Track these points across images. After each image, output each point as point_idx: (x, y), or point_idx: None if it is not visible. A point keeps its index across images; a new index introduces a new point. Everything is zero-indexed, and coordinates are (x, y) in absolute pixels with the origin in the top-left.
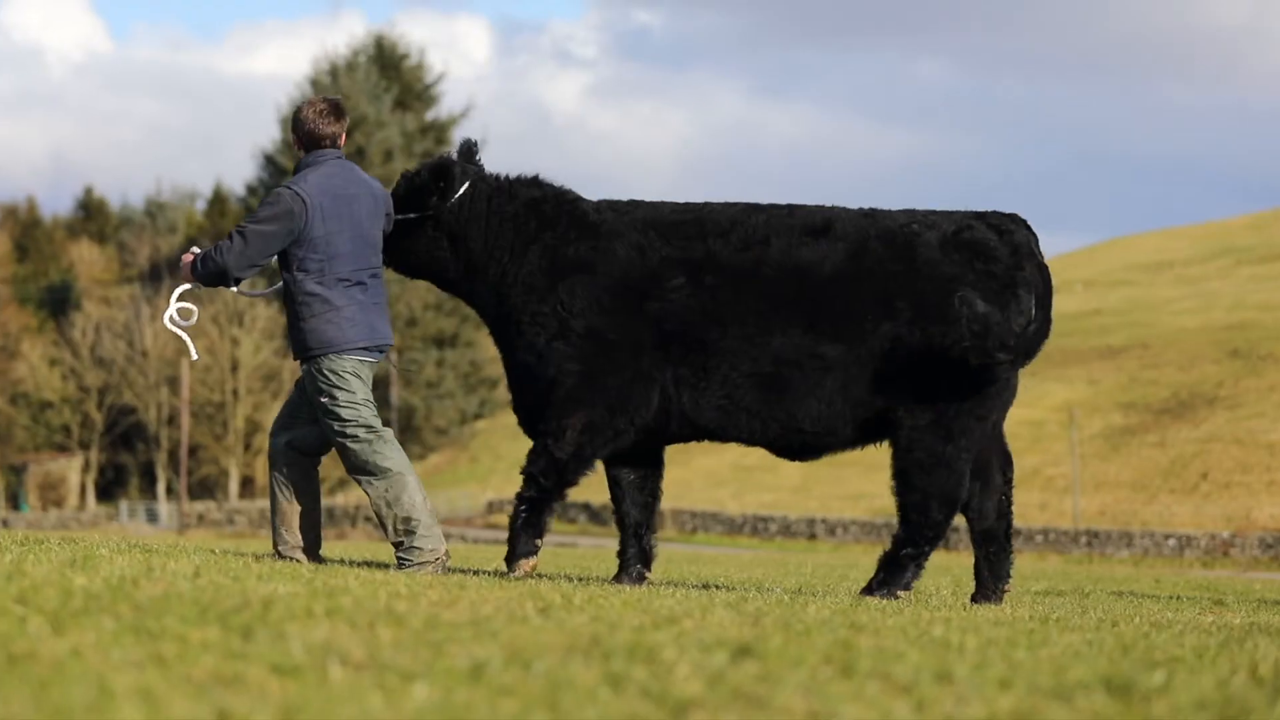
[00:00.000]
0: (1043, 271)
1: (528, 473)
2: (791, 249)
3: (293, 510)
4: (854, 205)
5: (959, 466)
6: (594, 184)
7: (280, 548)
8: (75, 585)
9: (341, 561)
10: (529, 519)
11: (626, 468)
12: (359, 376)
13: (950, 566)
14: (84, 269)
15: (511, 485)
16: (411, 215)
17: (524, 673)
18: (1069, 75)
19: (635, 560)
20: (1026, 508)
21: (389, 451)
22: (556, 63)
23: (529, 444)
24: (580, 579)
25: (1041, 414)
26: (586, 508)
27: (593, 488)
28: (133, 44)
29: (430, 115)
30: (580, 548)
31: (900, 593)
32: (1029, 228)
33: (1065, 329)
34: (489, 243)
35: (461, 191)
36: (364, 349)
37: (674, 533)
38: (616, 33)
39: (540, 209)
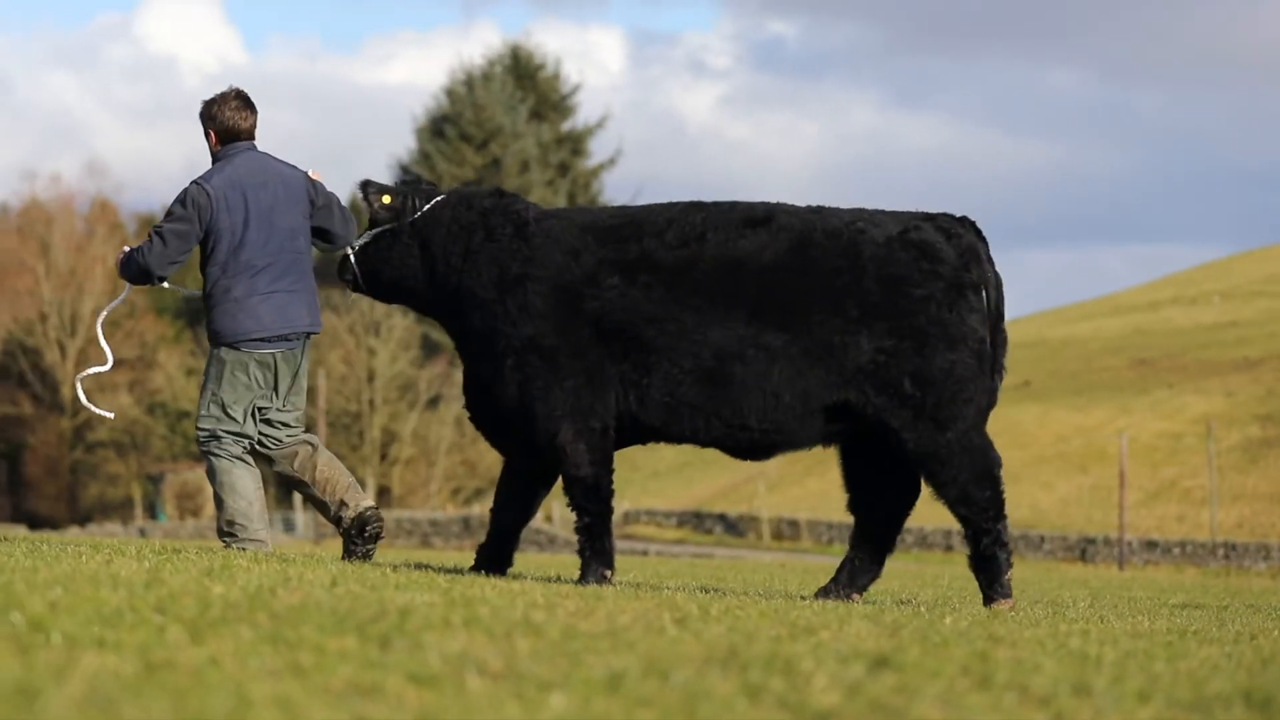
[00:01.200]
0: (993, 276)
1: (573, 506)
2: (729, 241)
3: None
4: (982, 215)
5: (973, 443)
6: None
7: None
8: (213, 594)
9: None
10: (593, 549)
11: (517, 471)
12: (244, 369)
13: (1088, 579)
14: None
15: (648, 496)
16: (388, 226)
17: (661, 683)
18: (1206, 84)
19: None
20: (1164, 520)
21: (227, 455)
22: (690, 73)
23: (667, 452)
24: (717, 590)
25: (1179, 426)
26: (723, 518)
27: (729, 498)
28: (267, 55)
29: (566, 126)
30: (717, 558)
31: (1006, 579)
32: (978, 232)
33: (1202, 340)
34: (446, 250)
35: (434, 202)
36: (260, 340)
37: (810, 544)
38: (750, 43)
39: (489, 219)
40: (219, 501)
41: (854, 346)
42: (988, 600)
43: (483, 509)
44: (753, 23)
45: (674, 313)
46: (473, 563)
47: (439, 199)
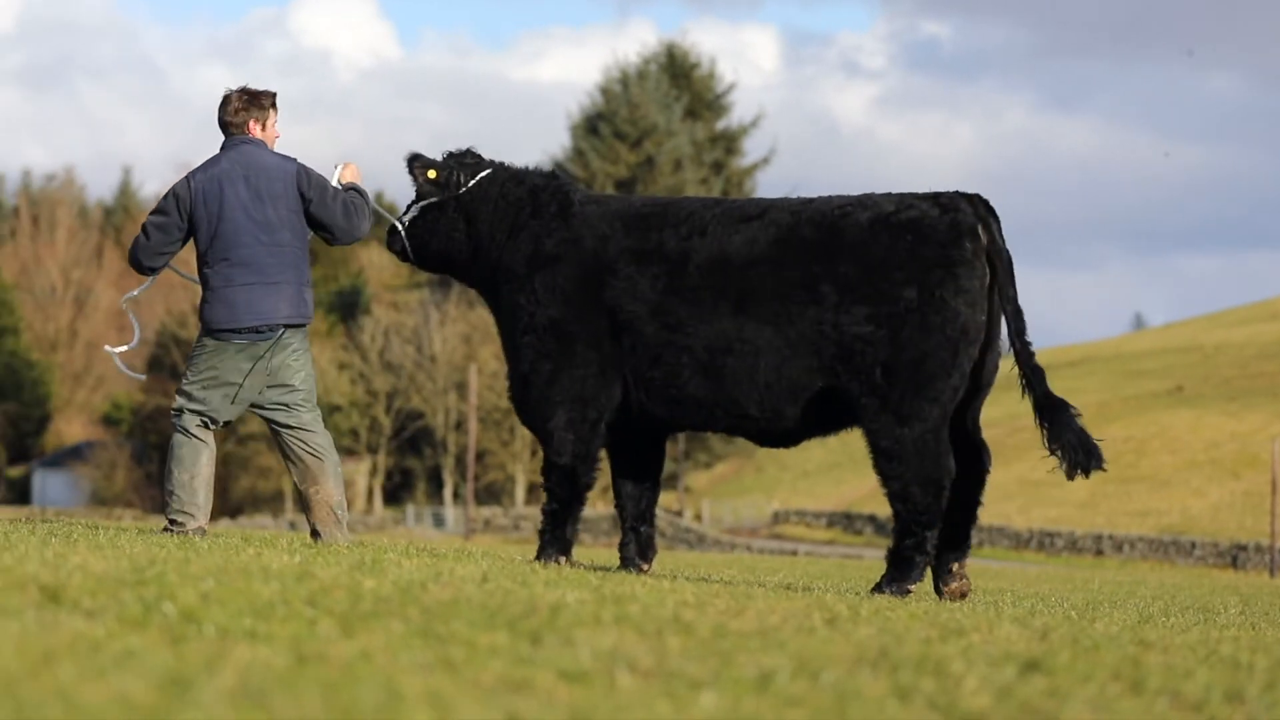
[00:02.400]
0: (995, 253)
1: (545, 487)
2: (724, 236)
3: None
4: (1135, 219)
5: (929, 446)
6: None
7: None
8: (365, 588)
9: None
10: (553, 534)
11: (626, 460)
12: (216, 356)
13: (1239, 586)
14: (374, 274)
15: (797, 496)
16: (439, 200)
17: (812, 683)
18: None
19: (634, 553)
20: None
21: (184, 429)
22: (844, 73)
23: (816, 452)
24: (867, 591)
25: None
26: (872, 520)
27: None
28: (421, 50)
29: (720, 125)
30: (866, 559)
31: (910, 588)
32: (987, 209)
33: None
34: (492, 225)
35: (481, 176)
36: (232, 330)
37: None
38: (905, 44)
39: (538, 197)
40: (167, 472)
41: (831, 332)
42: (876, 588)
43: (606, 508)
44: (907, 23)
45: (672, 306)
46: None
47: (485, 173)
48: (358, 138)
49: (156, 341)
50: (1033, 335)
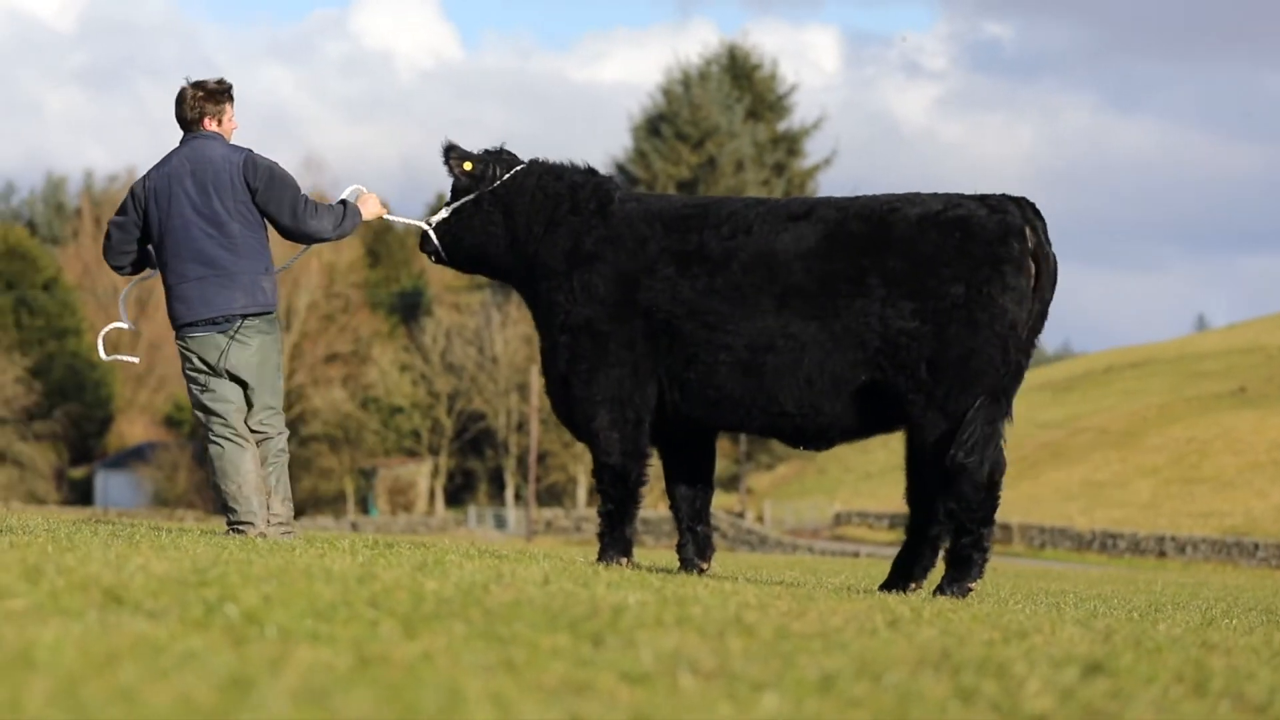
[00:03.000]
0: (1040, 256)
1: (599, 490)
2: (771, 234)
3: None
4: (1196, 219)
5: (977, 440)
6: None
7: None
8: (426, 589)
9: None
10: (612, 535)
11: (677, 460)
12: (194, 354)
13: None
14: (435, 275)
15: (860, 497)
16: (472, 195)
17: (874, 685)
18: None
19: (692, 553)
20: None
21: (215, 439)
22: (905, 74)
23: (879, 454)
24: (928, 593)
25: None
26: None
27: None
28: (482, 51)
29: (782, 126)
30: None
31: (971, 585)
32: (1035, 211)
33: None
34: (530, 218)
35: (516, 170)
36: (189, 324)
37: (1022, 548)
38: (966, 44)
39: (577, 193)
40: (214, 486)
41: (878, 324)
42: (940, 590)
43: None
44: (969, 24)
45: (713, 304)
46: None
47: (521, 167)
48: (418, 139)
49: None
50: (1095, 336)
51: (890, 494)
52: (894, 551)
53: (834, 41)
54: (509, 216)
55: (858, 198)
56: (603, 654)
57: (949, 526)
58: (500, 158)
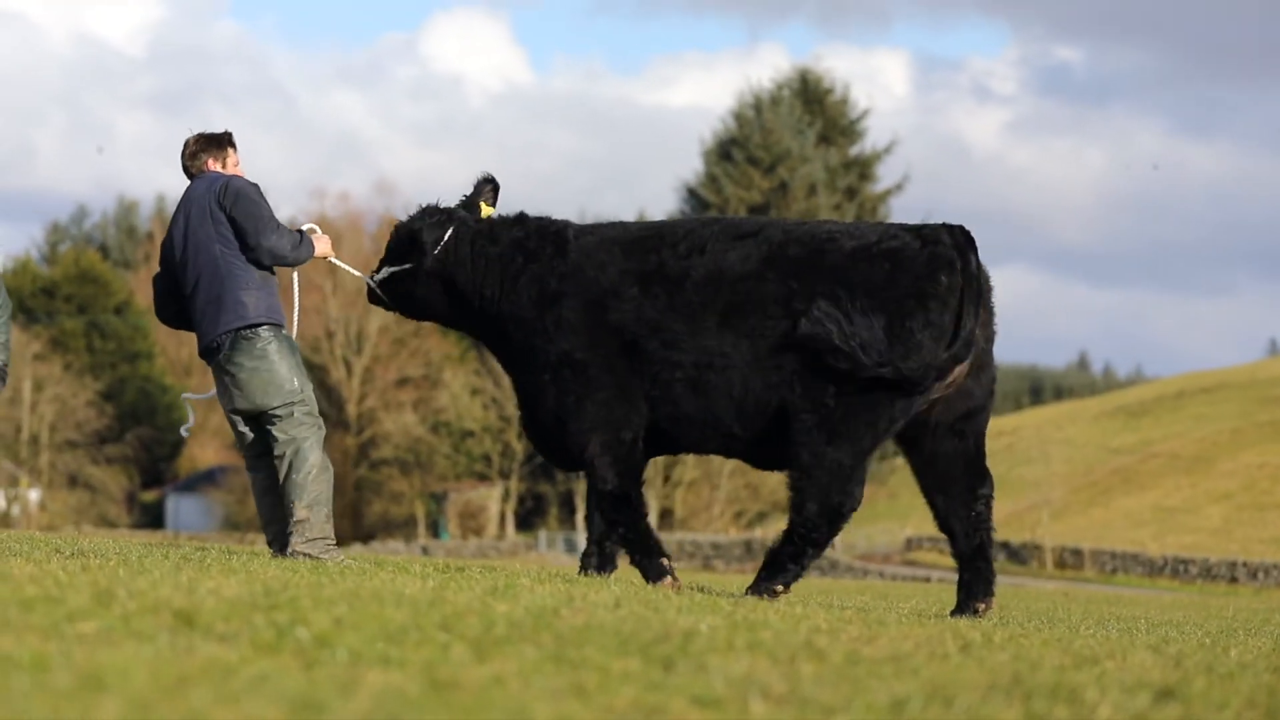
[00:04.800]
0: (970, 286)
1: (608, 519)
2: (720, 253)
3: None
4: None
5: (844, 470)
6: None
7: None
8: (497, 613)
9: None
10: (642, 553)
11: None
12: (216, 383)
13: None
14: None
15: (930, 523)
16: (404, 265)
17: (945, 710)
18: None
19: (595, 564)
20: None
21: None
22: (975, 99)
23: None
24: (1000, 618)
25: None
26: (1005, 546)
27: (1011, 526)
28: (552, 75)
29: (854, 150)
30: (999, 586)
31: (778, 589)
32: (968, 240)
33: None
34: (476, 284)
35: (445, 239)
36: (202, 355)
37: (1093, 574)
38: (1036, 69)
39: (525, 245)
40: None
41: (798, 351)
42: (751, 589)
43: (765, 532)
44: (1039, 48)
45: (670, 322)
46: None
47: (449, 237)
48: (489, 163)
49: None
50: (1167, 361)
51: None
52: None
53: (903, 66)
54: (451, 286)
55: (804, 223)
56: (674, 678)
57: (784, 530)
58: (428, 223)
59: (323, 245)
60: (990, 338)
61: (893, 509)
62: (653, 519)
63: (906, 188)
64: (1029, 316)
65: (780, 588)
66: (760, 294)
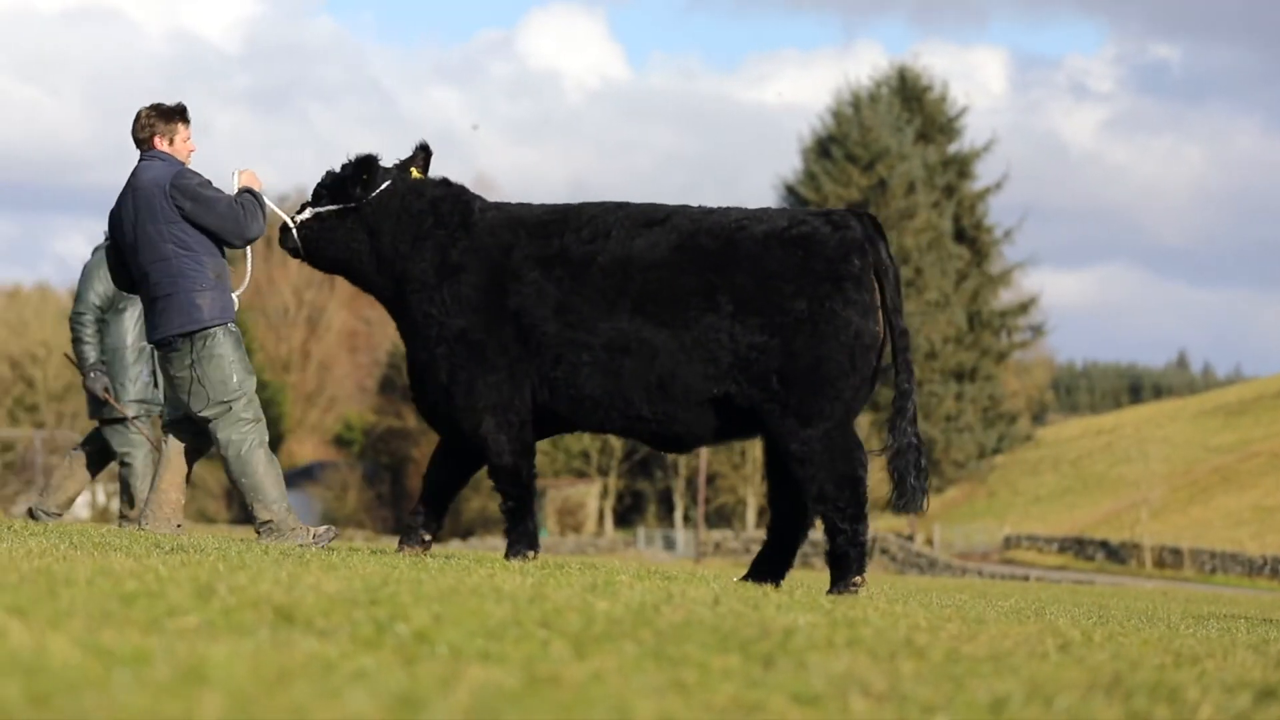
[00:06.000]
0: (881, 271)
1: (497, 490)
2: (627, 239)
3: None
4: None
5: (836, 442)
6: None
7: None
8: (597, 610)
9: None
10: (517, 530)
11: (450, 454)
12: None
13: None
14: None
15: (1029, 520)
16: (334, 206)
17: (1045, 709)
18: None
19: (420, 524)
20: None
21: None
22: (1072, 97)
23: (1048, 477)
24: (1099, 617)
25: None
26: (1104, 545)
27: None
28: (649, 72)
29: (952, 148)
30: (1098, 585)
31: (857, 580)
32: (875, 226)
33: None
34: (395, 238)
35: (383, 188)
36: (154, 347)
37: (1192, 573)
38: (1133, 66)
39: (439, 207)
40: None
41: (728, 341)
42: (831, 590)
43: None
44: (1136, 46)
45: (574, 304)
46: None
47: (385, 187)
48: (585, 160)
49: (388, 362)
50: (1268, 360)
51: (1060, 518)
52: (1064, 575)
53: (1000, 63)
54: (374, 237)
55: (712, 211)
56: (773, 675)
57: (824, 527)
58: (364, 173)
59: (255, 181)
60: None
61: (991, 507)
62: (752, 517)
63: (1005, 186)
64: (1128, 315)
65: (859, 580)
66: (679, 285)
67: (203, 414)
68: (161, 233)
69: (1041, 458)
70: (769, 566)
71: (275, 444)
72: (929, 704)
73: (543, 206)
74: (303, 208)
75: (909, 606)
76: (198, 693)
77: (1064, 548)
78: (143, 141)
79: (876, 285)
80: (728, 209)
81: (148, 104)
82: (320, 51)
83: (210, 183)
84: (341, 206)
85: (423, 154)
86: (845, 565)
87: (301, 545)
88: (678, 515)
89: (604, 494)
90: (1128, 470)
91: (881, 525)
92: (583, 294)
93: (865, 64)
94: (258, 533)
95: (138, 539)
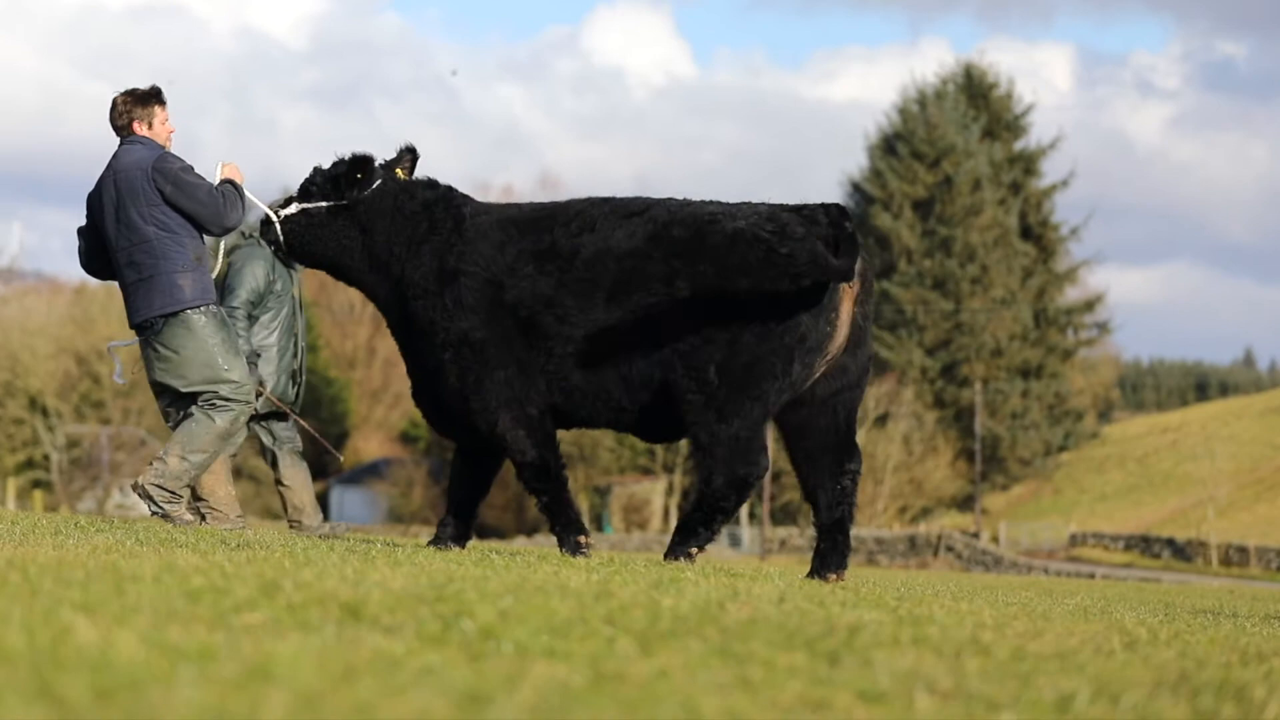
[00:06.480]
0: (861, 266)
1: (527, 489)
2: (609, 231)
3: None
4: None
5: (742, 443)
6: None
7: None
8: (663, 607)
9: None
10: (562, 523)
11: (470, 457)
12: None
13: None
14: None
15: (1095, 518)
16: (325, 204)
17: (1111, 707)
18: None
19: (450, 535)
20: None
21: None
22: (1138, 94)
23: (1114, 474)
24: (1165, 615)
25: None
26: (1171, 543)
27: (1177, 523)
28: (714, 69)
29: (1019, 145)
30: (1164, 583)
31: (693, 551)
32: (846, 219)
33: None
34: (390, 239)
35: (374, 187)
36: (135, 327)
37: (1259, 570)
38: (1199, 64)
39: (432, 211)
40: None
41: (677, 327)
42: (668, 554)
43: (928, 527)
44: (1202, 43)
45: (563, 297)
46: (432, 538)
47: (377, 186)
48: (651, 156)
49: None
50: None
51: (1126, 515)
52: (1130, 573)
53: (1066, 60)
54: (367, 235)
55: (690, 203)
56: (839, 672)
57: (693, 497)
58: (359, 172)
59: (238, 174)
60: (867, 315)
61: (1057, 504)
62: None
63: (1071, 183)
64: (1194, 313)
65: (695, 550)
66: (644, 271)
67: (188, 390)
68: (144, 215)
69: (1107, 455)
70: (827, 558)
71: (341, 440)
72: (994, 701)
73: (532, 205)
74: (288, 202)
75: (975, 604)
76: (263, 689)
77: (1130, 545)
78: (122, 128)
79: (858, 283)
80: (707, 202)
81: (122, 91)
82: (386, 48)
83: (192, 168)
84: (333, 204)
85: (409, 155)
86: (690, 535)
87: (155, 501)
88: (743, 512)
89: (669, 491)
90: (1194, 468)
91: (947, 523)
92: (568, 286)
93: (931, 61)
94: (144, 486)
95: (203, 535)
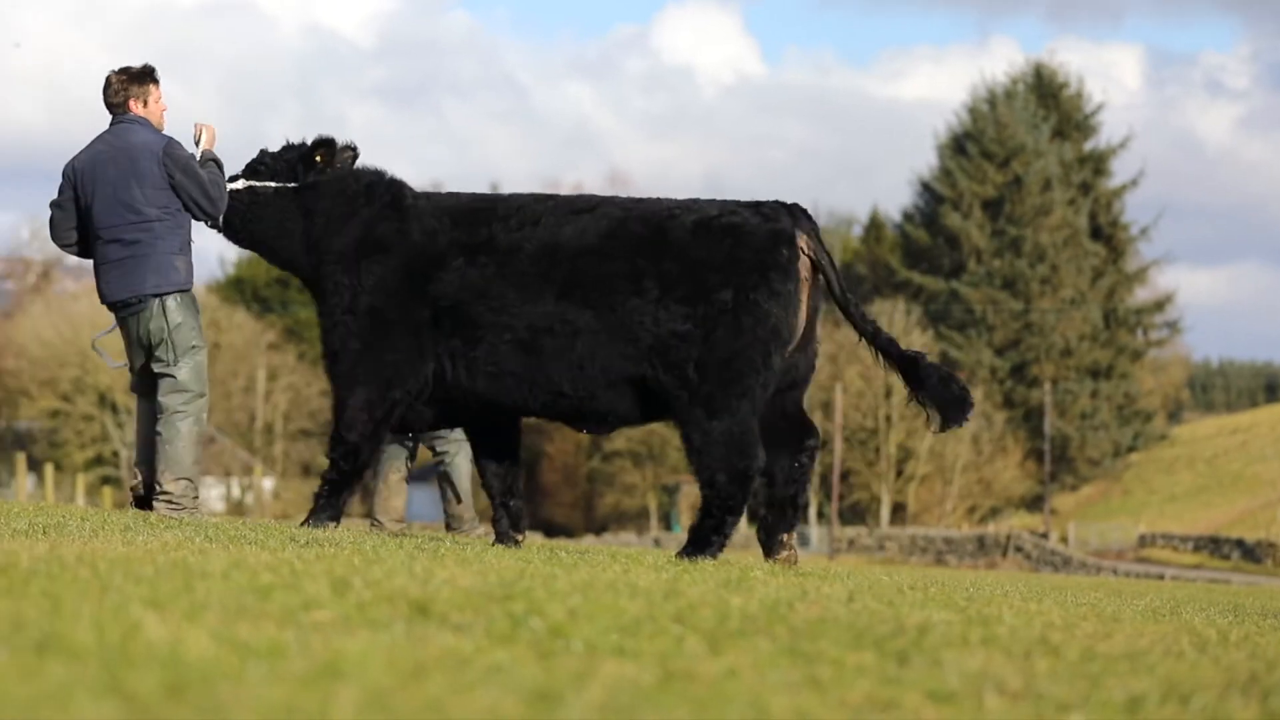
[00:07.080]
0: (817, 258)
1: (330, 457)
2: (556, 226)
3: None
4: None
5: (735, 440)
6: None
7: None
8: (732, 606)
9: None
10: (329, 501)
11: (485, 440)
12: (120, 328)
13: None
14: None
15: (1164, 519)
16: (273, 184)
17: (1181, 708)
18: None
19: (506, 525)
20: None
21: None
22: (1207, 94)
23: (1184, 475)
24: (1236, 616)
25: None
26: (1240, 544)
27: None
28: (784, 67)
29: (1088, 145)
30: (1233, 584)
31: (709, 559)
32: (805, 217)
33: None
34: (328, 217)
35: (322, 175)
36: (111, 304)
37: None
38: (1269, 63)
39: (372, 190)
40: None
41: (651, 324)
42: (680, 554)
43: (997, 527)
44: (1272, 43)
45: (500, 289)
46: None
47: (326, 172)
48: (720, 155)
49: None
50: None
51: (1196, 516)
52: (1200, 574)
53: (1135, 60)
54: (308, 218)
55: (642, 200)
56: (908, 672)
57: (700, 505)
58: (318, 154)
59: (213, 136)
60: (817, 309)
61: (1126, 505)
62: (886, 514)
63: (1141, 183)
64: (1263, 313)
65: (711, 560)
66: (606, 269)
67: (166, 371)
68: (148, 196)
69: (1177, 456)
70: (775, 528)
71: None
72: (1064, 702)
73: (470, 195)
74: (234, 179)
75: (1044, 604)
76: (333, 686)
77: (1199, 546)
78: (116, 106)
79: (813, 278)
80: (659, 199)
81: (115, 70)
82: (454, 46)
83: (195, 158)
84: (280, 185)
85: (349, 153)
86: (700, 546)
87: (188, 517)
88: (811, 512)
89: None
90: (1263, 469)
91: (1016, 523)
92: (508, 279)
93: (1000, 60)
94: (150, 500)
95: (272, 532)
